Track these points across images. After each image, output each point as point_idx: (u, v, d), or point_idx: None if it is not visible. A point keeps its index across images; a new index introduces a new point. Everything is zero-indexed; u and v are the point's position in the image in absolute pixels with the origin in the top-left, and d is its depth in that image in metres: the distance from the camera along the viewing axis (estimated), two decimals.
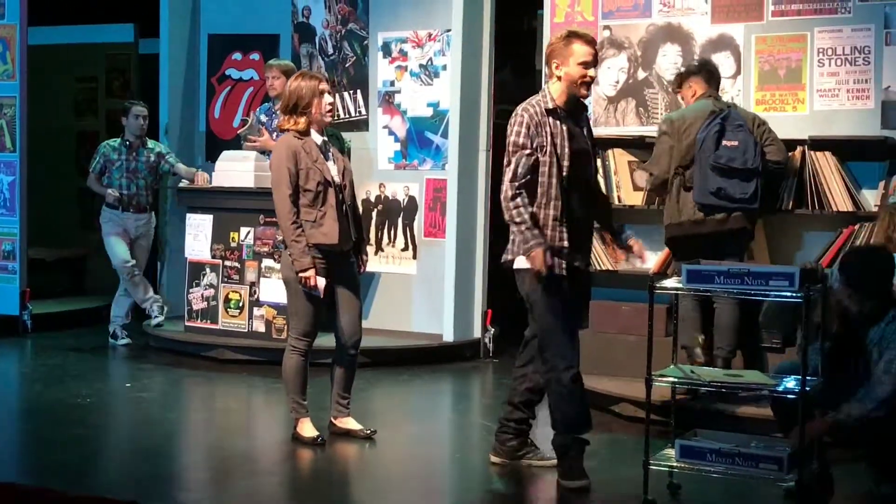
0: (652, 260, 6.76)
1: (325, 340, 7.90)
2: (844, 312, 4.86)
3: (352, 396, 5.79)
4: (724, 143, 5.99)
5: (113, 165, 8.42)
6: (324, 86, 5.56)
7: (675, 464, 4.63)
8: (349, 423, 5.73)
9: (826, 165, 6.40)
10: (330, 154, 5.60)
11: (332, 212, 5.48)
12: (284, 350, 5.65)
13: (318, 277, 5.45)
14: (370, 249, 8.30)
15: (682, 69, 6.54)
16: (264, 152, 7.99)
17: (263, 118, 8.31)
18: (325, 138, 5.64)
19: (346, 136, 8.59)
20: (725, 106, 6.19)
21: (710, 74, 6.38)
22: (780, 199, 6.47)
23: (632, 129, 7.06)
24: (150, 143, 8.55)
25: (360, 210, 5.81)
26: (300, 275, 5.43)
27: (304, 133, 5.52)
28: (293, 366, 5.60)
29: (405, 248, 8.37)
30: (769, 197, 6.39)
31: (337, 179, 5.56)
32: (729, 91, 6.79)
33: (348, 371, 5.73)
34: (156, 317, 8.38)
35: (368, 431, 5.69)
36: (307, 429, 5.61)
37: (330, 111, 5.59)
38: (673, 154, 6.16)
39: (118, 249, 8.35)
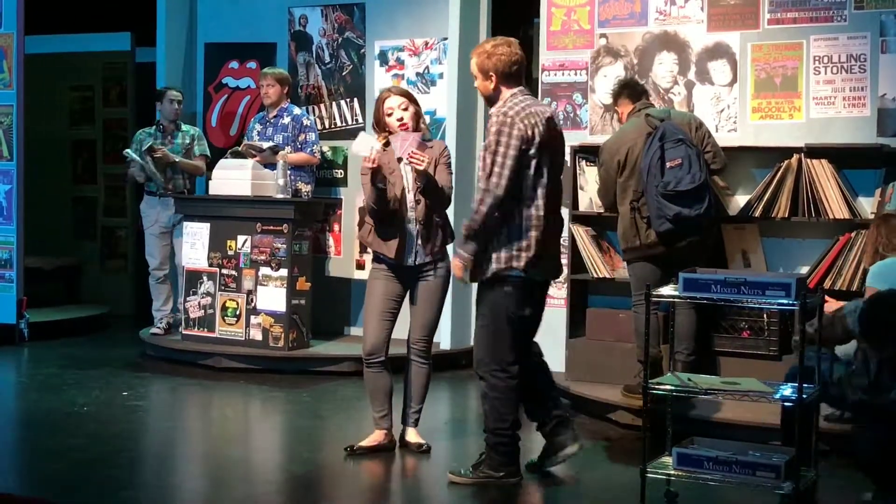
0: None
1: (324, 348, 7.95)
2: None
3: (420, 406, 5.71)
4: (667, 164, 6.02)
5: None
6: (390, 103, 5.51)
7: (672, 472, 4.63)
8: (409, 435, 5.70)
9: (822, 173, 6.40)
10: (407, 169, 5.48)
11: (400, 225, 5.46)
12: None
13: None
14: (368, 258, 8.32)
15: (614, 87, 6.64)
16: (264, 164, 8.01)
17: (258, 127, 8.33)
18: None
19: (342, 144, 8.62)
20: (659, 120, 6.19)
21: (632, 90, 6.45)
22: (777, 206, 6.48)
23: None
24: (185, 128, 8.62)
25: (436, 222, 5.56)
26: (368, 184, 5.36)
27: (386, 145, 5.49)
28: (365, 380, 5.64)
29: None
30: (764, 204, 6.47)
31: (409, 194, 5.49)
32: (725, 99, 6.81)
33: (417, 380, 5.67)
34: (156, 328, 8.43)
35: (419, 446, 5.65)
36: (366, 437, 5.64)
37: (401, 126, 5.47)
38: (616, 180, 6.27)
39: (154, 253, 8.57)
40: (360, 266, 8.50)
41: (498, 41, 5.10)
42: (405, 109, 5.52)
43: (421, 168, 5.30)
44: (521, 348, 5.09)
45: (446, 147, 5.69)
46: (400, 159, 5.42)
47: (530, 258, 4.94)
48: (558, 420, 5.22)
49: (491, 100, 5.08)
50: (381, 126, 5.56)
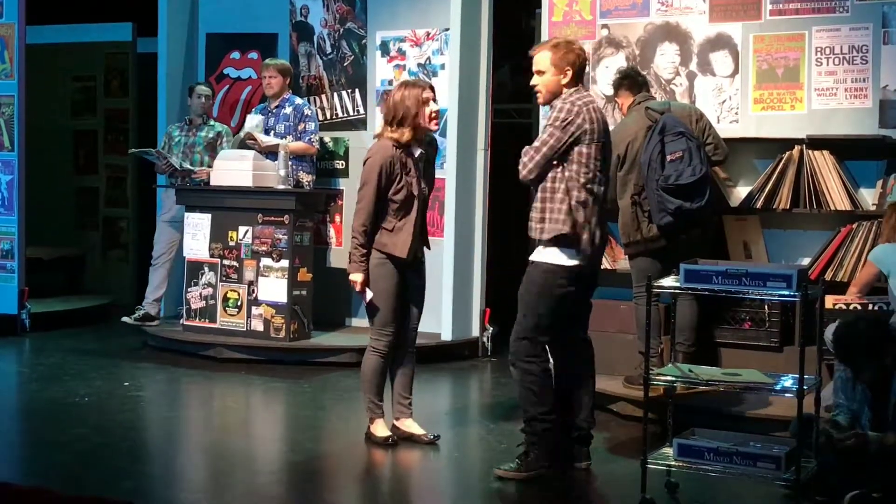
0: None
1: (325, 339, 7.96)
2: None
3: (412, 397, 5.76)
4: (667, 157, 6.01)
5: (173, 142, 8.56)
6: (427, 94, 5.48)
7: (672, 462, 4.63)
8: (412, 427, 5.70)
9: (824, 164, 6.40)
10: (421, 166, 5.54)
11: (409, 226, 5.49)
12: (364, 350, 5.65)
13: (366, 288, 5.48)
14: None
15: (614, 77, 6.61)
16: (265, 153, 8.01)
17: (260, 117, 8.32)
18: (423, 150, 5.56)
19: (343, 135, 8.62)
20: (659, 113, 6.19)
21: (632, 81, 6.44)
22: (778, 198, 6.48)
23: None
24: (212, 123, 8.64)
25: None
26: (350, 278, 5.49)
27: (405, 145, 5.48)
28: (371, 366, 5.59)
29: None
30: (765, 196, 6.48)
31: (421, 193, 5.54)
32: (727, 90, 6.80)
33: (407, 370, 5.71)
34: (129, 318, 8.42)
35: (431, 437, 5.66)
36: (380, 429, 5.61)
37: (434, 119, 5.50)
38: (616, 174, 6.22)
39: (159, 240, 8.62)
40: None
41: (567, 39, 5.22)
42: (436, 102, 5.57)
43: None
44: (553, 332, 5.10)
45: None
46: (417, 160, 5.48)
47: (576, 246, 4.98)
48: (582, 433, 5.23)
49: (555, 94, 5.09)
50: (409, 121, 5.44)
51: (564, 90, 5.06)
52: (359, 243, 5.47)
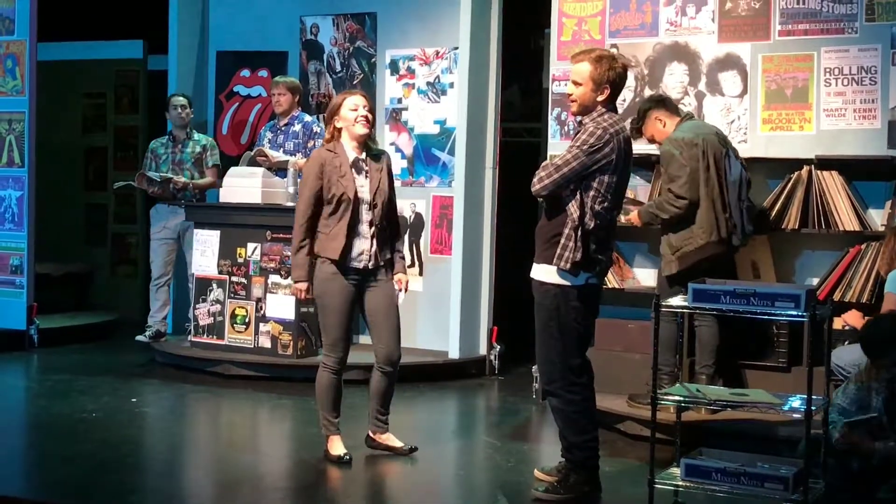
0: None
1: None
2: None
3: (390, 413, 5.77)
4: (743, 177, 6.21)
5: (160, 160, 8.55)
6: (357, 100, 5.56)
7: (680, 482, 4.62)
8: (390, 440, 5.73)
9: (832, 185, 6.40)
10: (364, 171, 5.57)
11: (343, 228, 5.47)
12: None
13: (306, 293, 5.57)
14: None
15: (642, 105, 6.48)
16: (272, 169, 8.04)
17: (269, 135, 8.35)
18: (362, 155, 5.59)
19: None
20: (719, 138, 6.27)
21: (671, 103, 6.43)
22: (787, 218, 6.48)
23: (638, 147, 7.05)
24: (197, 136, 8.63)
25: (399, 228, 5.81)
26: (294, 285, 5.60)
27: (335, 146, 5.57)
28: (323, 383, 5.61)
29: (411, 265, 8.37)
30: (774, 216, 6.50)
31: (366, 197, 5.54)
32: (735, 110, 6.81)
33: (384, 387, 5.70)
34: (143, 336, 8.44)
35: (409, 448, 5.69)
36: (335, 447, 5.60)
37: (361, 121, 5.55)
38: (697, 178, 6.09)
39: (156, 261, 8.61)
40: None
41: (611, 54, 5.06)
42: (368, 110, 5.61)
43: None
44: (583, 351, 5.02)
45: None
46: (354, 164, 5.53)
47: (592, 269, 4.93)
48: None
49: (589, 109, 4.95)
50: (330, 121, 5.62)
51: (599, 107, 4.93)
52: (298, 245, 5.54)
